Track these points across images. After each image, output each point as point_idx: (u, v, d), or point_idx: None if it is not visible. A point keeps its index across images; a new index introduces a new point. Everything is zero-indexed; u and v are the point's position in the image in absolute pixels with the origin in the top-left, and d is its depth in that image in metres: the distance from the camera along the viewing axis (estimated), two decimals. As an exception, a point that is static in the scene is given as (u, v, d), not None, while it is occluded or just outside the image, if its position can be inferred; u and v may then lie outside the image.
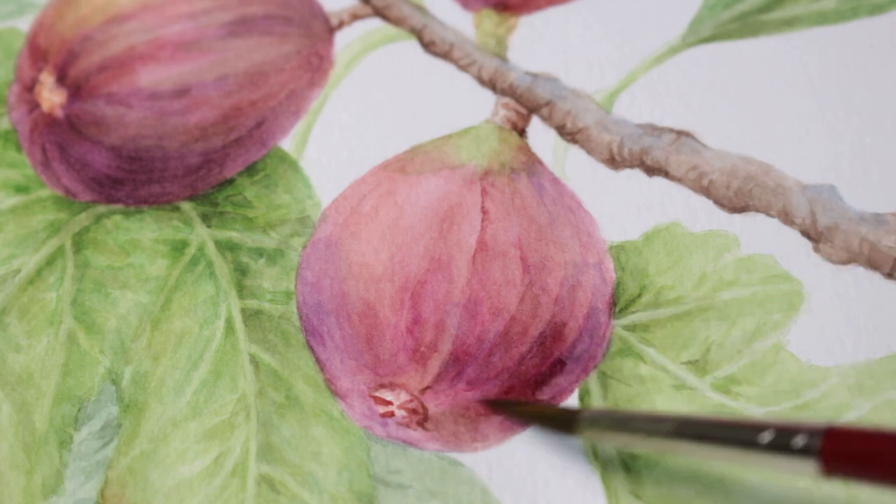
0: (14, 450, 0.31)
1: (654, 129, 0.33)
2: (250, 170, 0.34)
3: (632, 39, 0.35)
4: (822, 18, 0.35)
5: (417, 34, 0.36)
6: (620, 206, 0.32)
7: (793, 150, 0.32)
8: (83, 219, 0.34)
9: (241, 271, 0.33)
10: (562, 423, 0.29)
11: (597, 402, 0.30)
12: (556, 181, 0.33)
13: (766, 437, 0.24)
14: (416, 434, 0.30)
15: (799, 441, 0.24)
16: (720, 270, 0.31)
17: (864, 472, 0.23)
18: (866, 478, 0.23)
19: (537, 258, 0.31)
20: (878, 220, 0.31)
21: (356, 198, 0.32)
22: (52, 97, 0.34)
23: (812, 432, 0.24)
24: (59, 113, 0.34)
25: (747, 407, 0.29)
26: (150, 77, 0.34)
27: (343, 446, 0.30)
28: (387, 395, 0.30)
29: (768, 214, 0.31)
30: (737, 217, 0.32)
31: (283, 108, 0.35)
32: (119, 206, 0.34)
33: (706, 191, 0.32)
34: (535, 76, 0.35)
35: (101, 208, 0.34)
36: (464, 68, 0.35)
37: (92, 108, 0.34)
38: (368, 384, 0.30)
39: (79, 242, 0.34)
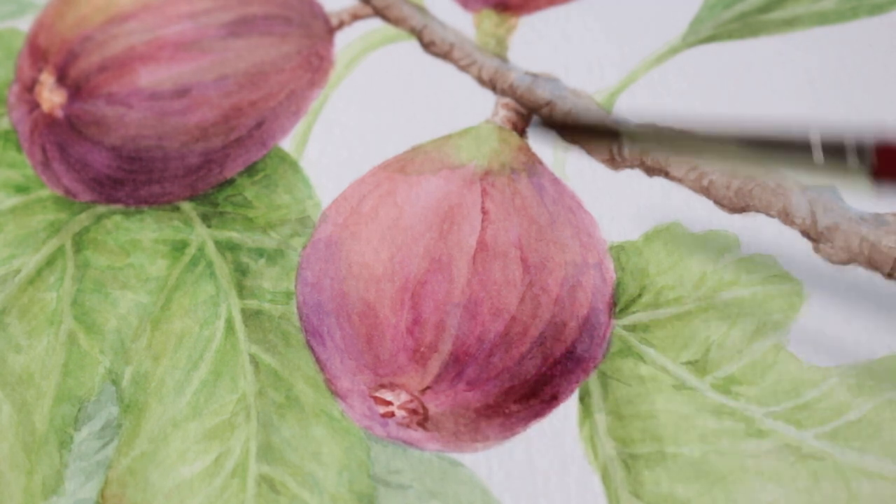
0: (14, 450, 0.31)
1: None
2: (250, 170, 0.34)
3: (632, 39, 0.35)
4: (822, 18, 0.35)
5: (417, 34, 0.36)
6: (620, 206, 0.32)
7: (793, 150, 0.32)
8: (83, 219, 0.34)
9: (241, 271, 0.33)
10: (608, 136, 0.28)
11: (597, 402, 0.30)
12: (556, 181, 0.33)
13: (818, 155, 0.24)
14: (416, 434, 0.30)
15: (853, 158, 0.24)
16: (720, 270, 0.31)
17: None
18: None
19: (537, 258, 0.31)
20: (878, 220, 0.31)
21: (356, 198, 0.32)
22: (52, 97, 0.34)
23: (861, 146, 0.24)
24: (59, 113, 0.34)
25: (747, 407, 0.29)
26: (151, 77, 0.34)
27: (343, 446, 0.30)
28: (387, 395, 0.30)
29: (768, 214, 0.31)
30: (737, 217, 0.32)
31: (284, 108, 0.35)
32: (119, 207, 0.34)
33: (706, 191, 0.32)
34: (535, 76, 0.35)
35: (101, 208, 0.34)
36: (464, 68, 0.35)
37: (92, 108, 0.34)
38: (368, 384, 0.30)
39: (79, 242, 0.34)
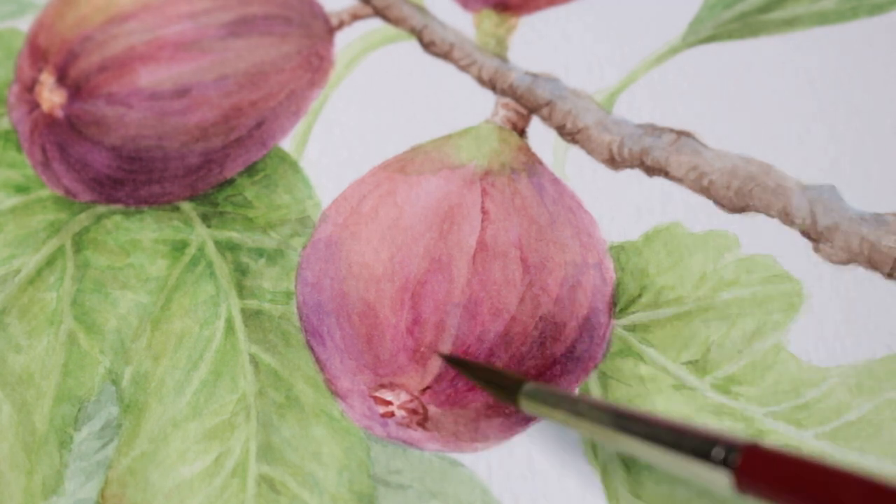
0: (14, 450, 0.31)
1: (654, 130, 0.33)
2: (250, 170, 0.34)
3: (632, 39, 0.35)
4: (822, 18, 0.35)
5: (417, 34, 0.36)
6: (620, 206, 0.32)
7: (793, 150, 0.32)
8: (83, 219, 0.34)
9: (241, 271, 0.33)
10: (506, 390, 0.28)
11: (597, 402, 0.30)
12: (556, 181, 0.33)
13: (688, 443, 0.24)
14: (416, 434, 0.30)
15: (719, 452, 0.24)
16: (720, 270, 0.31)
17: (774, 493, 0.23)
18: (775, 498, 0.23)
19: (537, 258, 0.31)
20: (878, 220, 0.31)
21: (356, 198, 0.32)
22: (52, 97, 0.34)
23: (731, 446, 0.24)
24: (59, 113, 0.34)
25: (747, 407, 0.29)
26: (151, 77, 0.34)
27: (343, 446, 0.30)
28: (387, 395, 0.30)
29: (768, 214, 0.31)
30: (737, 217, 0.32)
31: (283, 108, 0.35)
32: (119, 207, 0.34)
33: (706, 191, 0.32)
34: (535, 76, 0.35)
35: (101, 208, 0.34)
36: (464, 68, 0.35)
37: (92, 108, 0.34)
38: (368, 384, 0.30)
39: (79, 242, 0.34)
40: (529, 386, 0.28)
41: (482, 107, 0.35)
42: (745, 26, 0.35)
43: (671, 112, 0.34)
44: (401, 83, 0.35)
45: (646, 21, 0.35)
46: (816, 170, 0.32)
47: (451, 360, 0.29)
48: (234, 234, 0.33)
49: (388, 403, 0.30)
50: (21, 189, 0.35)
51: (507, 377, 0.29)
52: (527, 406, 0.28)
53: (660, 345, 0.30)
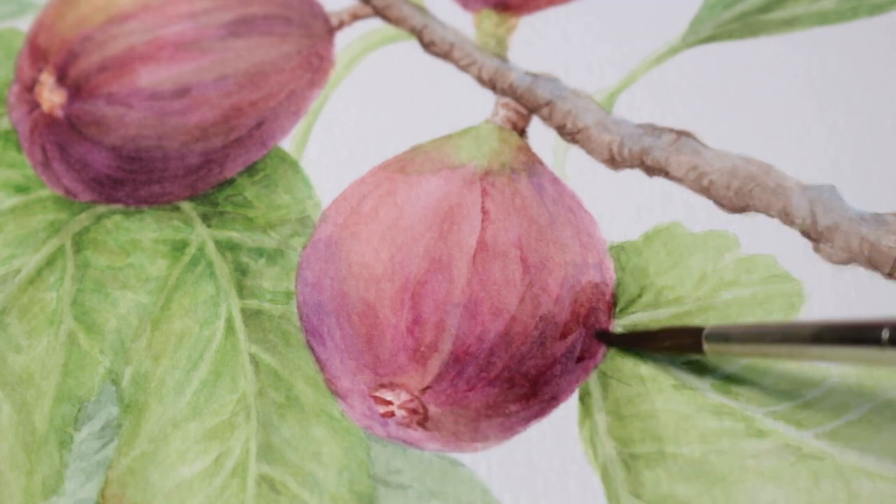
0: (14, 450, 0.31)
1: (654, 129, 0.33)
2: (250, 170, 0.34)
3: (632, 39, 0.35)
4: (822, 18, 0.35)
5: (417, 34, 0.36)
6: (620, 206, 0.32)
7: (793, 150, 0.32)
8: (83, 219, 0.34)
9: (241, 271, 0.33)
10: (689, 342, 0.29)
11: (597, 402, 0.30)
12: (556, 181, 0.33)
13: (885, 334, 0.25)
14: (416, 434, 0.30)
15: (886, 333, 0.24)
16: (720, 270, 0.31)
17: None
18: None
19: (537, 258, 0.31)
20: (878, 220, 0.31)
21: (356, 198, 0.32)
22: (52, 97, 0.34)
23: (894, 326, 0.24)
24: (59, 113, 0.34)
25: (747, 407, 0.29)
26: (151, 77, 0.34)
27: (343, 446, 0.30)
28: (387, 395, 0.30)
29: (768, 214, 0.31)
30: (737, 217, 0.32)
31: (283, 108, 0.35)
32: (119, 206, 0.34)
33: (706, 191, 0.32)
34: (535, 76, 0.35)
35: (101, 208, 0.34)
36: (464, 68, 0.35)
37: (92, 108, 0.34)
38: (368, 384, 0.30)
39: (79, 242, 0.34)
40: (709, 330, 0.28)
41: (482, 107, 0.35)
42: (745, 26, 0.35)
43: (671, 112, 0.34)
44: (401, 83, 0.35)
45: (646, 21, 0.35)
46: (816, 170, 0.32)
47: (618, 338, 0.30)
48: (234, 234, 0.33)
49: (388, 403, 0.30)
50: (21, 189, 0.35)
51: (682, 332, 0.29)
52: (711, 350, 0.28)
53: (660, 345, 0.30)
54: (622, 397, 0.30)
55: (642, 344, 0.30)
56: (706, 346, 0.28)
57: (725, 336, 0.28)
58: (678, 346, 0.29)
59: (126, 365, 0.32)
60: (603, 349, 0.30)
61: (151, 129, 0.34)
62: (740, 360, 0.30)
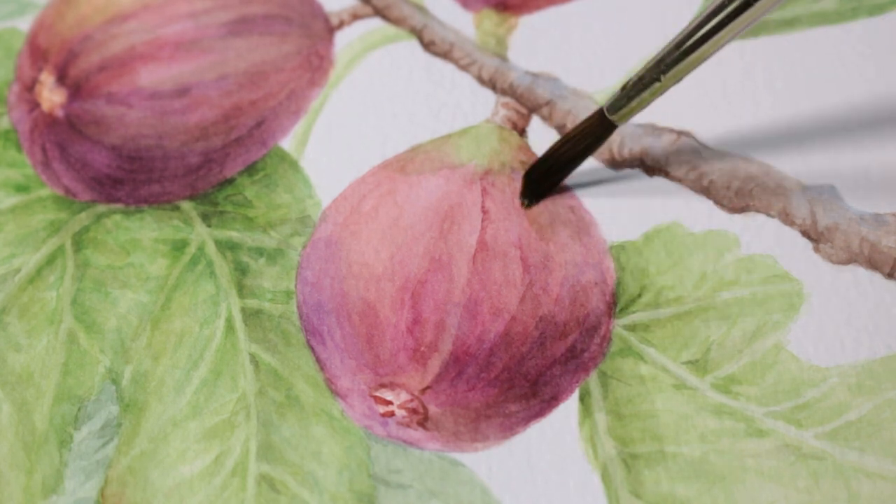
0: (14, 449, 0.31)
1: (654, 129, 0.33)
2: (250, 169, 0.34)
3: (632, 39, 0.35)
4: (822, 18, 0.35)
5: (417, 34, 0.36)
6: (620, 206, 0.32)
7: (793, 150, 0.32)
8: (83, 218, 0.34)
9: (241, 271, 0.33)
10: (596, 130, 0.29)
11: (597, 402, 0.30)
12: (556, 181, 0.33)
13: None
14: (416, 434, 0.30)
15: None
16: (720, 270, 0.31)
17: None
18: None
19: (537, 258, 0.31)
20: (878, 220, 0.31)
21: (356, 197, 0.32)
22: (52, 97, 0.34)
23: None
24: (59, 113, 0.34)
25: (747, 406, 0.29)
26: (151, 77, 0.34)
27: (343, 446, 0.30)
28: (387, 394, 0.30)
29: (768, 215, 0.31)
30: (737, 217, 0.32)
31: (284, 108, 0.35)
32: (119, 206, 0.34)
33: (706, 191, 0.32)
34: (535, 76, 0.35)
35: (101, 208, 0.34)
36: (464, 68, 0.35)
37: (92, 108, 0.34)
38: (369, 384, 0.30)
39: (79, 242, 0.34)
40: (607, 103, 0.29)
41: (482, 106, 0.35)
42: (745, 26, 0.35)
43: (671, 112, 0.34)
44: (401, 83, 0.35)
45: (646, 21, 0.35)
46: (816, 170, 0.32)
47: (536, 166, 0.31)
48: (234, 234, 0.33)
49: (389, 403, 0.30)
50: (21, 188, 0.35)
51: (585, 121, 0.30)
52: (619, 118, 0.29)
53: (660, 344, 0.30)
54: (622, 397, 0.30)
55: (558, 153, 0.30)
56: (612, 118, 0.29)
57: (622, 98, 0.29)
58: (589, 134, 0.30)
59: (126, 364, 0.31)
60: (603, 349, 0.30)
61: (151, 129, 0.34)
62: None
